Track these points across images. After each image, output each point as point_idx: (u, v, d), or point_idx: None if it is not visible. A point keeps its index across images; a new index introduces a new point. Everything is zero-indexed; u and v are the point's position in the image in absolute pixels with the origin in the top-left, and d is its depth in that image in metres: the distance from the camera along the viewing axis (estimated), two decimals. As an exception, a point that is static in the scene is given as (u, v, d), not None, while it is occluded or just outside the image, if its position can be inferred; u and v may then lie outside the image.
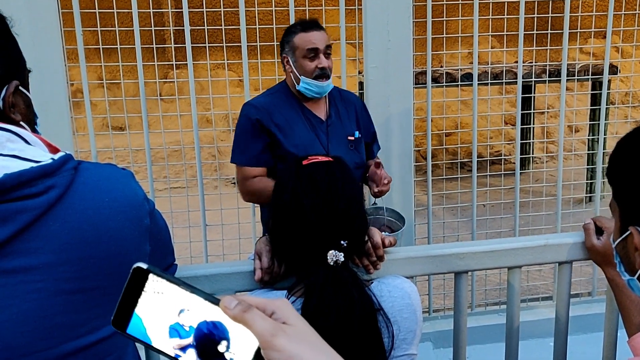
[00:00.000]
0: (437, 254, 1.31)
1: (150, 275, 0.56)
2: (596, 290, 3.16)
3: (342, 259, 1.10)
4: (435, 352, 2.86)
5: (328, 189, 1.12)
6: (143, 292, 0.56)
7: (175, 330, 0.55)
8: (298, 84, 2.16)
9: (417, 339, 1.14)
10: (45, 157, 0.78)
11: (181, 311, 0.56)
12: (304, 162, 1.16)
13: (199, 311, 0.55)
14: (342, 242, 1.11)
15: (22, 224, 0.74)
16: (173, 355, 0.55)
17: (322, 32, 2.15)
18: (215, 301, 0.55)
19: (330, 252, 1.09)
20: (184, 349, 0.55)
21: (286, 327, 0.55)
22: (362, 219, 1.16)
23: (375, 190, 2.08)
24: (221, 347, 0.55)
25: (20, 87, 0.82)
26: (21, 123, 0.82)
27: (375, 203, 2.19)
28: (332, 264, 1.09)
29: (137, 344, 1.03)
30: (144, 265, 0.56)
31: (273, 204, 1.17)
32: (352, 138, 2.23)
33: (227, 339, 0.55)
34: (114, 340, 0.85)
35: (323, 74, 2.13)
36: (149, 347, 0.56)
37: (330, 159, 1.18)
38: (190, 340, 0.55)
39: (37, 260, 0.75)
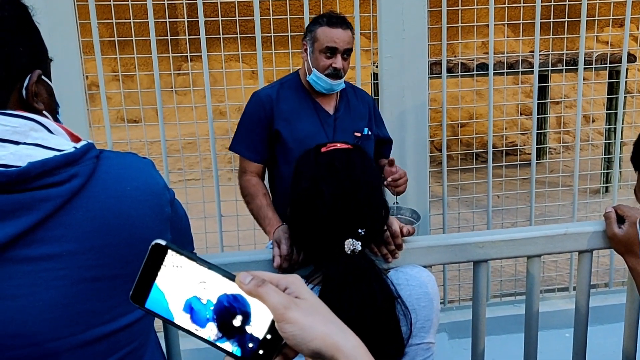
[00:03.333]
0: (456, 243, 1.31)
1: (169, 251, 0.58)
2: (613, 281, 3.14)
3: (360, 248, 1.09)
4: (450, 343, 2.86)
5: (347, 176, 1.10)
6: (162, 266, 0.57)
7: (195, 303, 0.57)
8: (309, 75, 2.15)
9: (434, 328, 1.13)
10: (68, 146, 0.79)
11: (200, 285, 0.57)
12: (323, 150, 1.15)
13: (217, 286, 0.57)
14: (359, 230, 1.09)
15: (46, 212, 0.75)
16: (192, 330, 0.57)
17: (347, 31, 2.10)
18: (232, 277, 0.57)
19: (348, 240, 1.09)
20: (202, 323, 0.56)
21: (299, 300, 0.57)
22: (381, 207, 1.15)
23: (395, 189, 2.03)
24: (236, 322, 0.56)
25: (42, 77, 0.83)
26: (44, 112, 0.83)
27: (397, 202, 2.16)
28: (349, 252, 1.09)
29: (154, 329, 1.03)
30: (163, 242, 0.58)
31: (291, 191, 1.17)
32: (359, 134, 2.21)
33: (249, 312, 0.57)
34: (137, 328, 0.86)
35: (335, 74, 2.10)
36: (167, 322, 0.58)
37: (350, 146, 1.17)
38: (209, 313, 0.56)
39: (61, 248, 0.76)
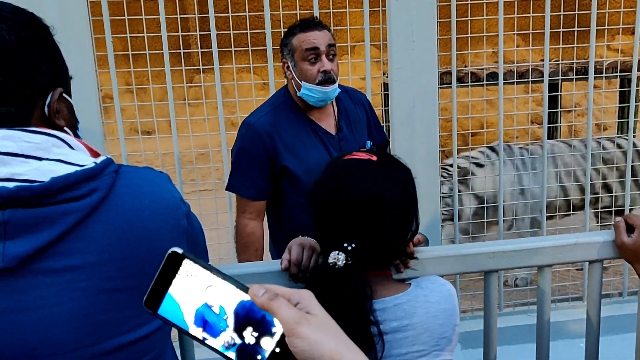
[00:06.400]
0: (467, 253, 1.31)
1: (185, 260, 0.59)
2: (627, 290, 3.11)
3: (342, 263, 1.02)
4: (463, 353, 2.85)
5: (342, 186, 1.05)
6: (177, 275, 0.58)
7: (208, 313, 0.58)
8: (299, 91, 1.94)
9: (451, 345, 1.10)
10: (88, 161, 0.82)
11: (213, 295, 0.58)
12: (345, 157, 1.11)
13: (230, 296, 0.58)
14: (345, 244, 1.03)
15: (68, 225, 0.77)
16: (203, 338, 0.58)
17: (324, 31, 1.92)
18: (245, 288, 0.58)
19: (333, 252, 1.03)
20: (214, 333, 0.57)
21: (309, 316, 0.58)
22: (382, 224, 1.05)
23: None
24: (247, 333, 0.57)
25: (63, 94, 0.86)
26: (65, 128, 0.86)
27: None
28: (331, 264, 1.03)
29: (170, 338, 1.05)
30: (180, 250, 0.59)
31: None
32: (365, 150, 2.17)
33: (260, 325, 0.57)
34: (155, 339, 0.88)
35: (327, 78, 1.90)
36: (179, 330, 0.58)
37: (370, 156, 1.09)
38: (222, 324, 0.57)
39: (82, 260, 0.78)
